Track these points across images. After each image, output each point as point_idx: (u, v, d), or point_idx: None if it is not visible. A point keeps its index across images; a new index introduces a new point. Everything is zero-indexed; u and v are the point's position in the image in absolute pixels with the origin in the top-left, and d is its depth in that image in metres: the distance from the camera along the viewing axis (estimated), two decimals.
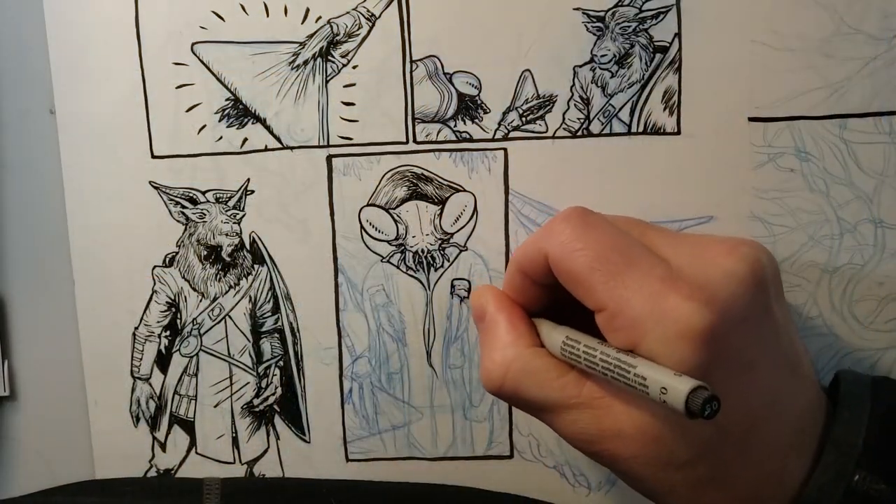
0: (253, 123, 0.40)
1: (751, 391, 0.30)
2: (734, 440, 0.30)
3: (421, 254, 0.40)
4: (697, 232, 0.39)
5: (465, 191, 0.40)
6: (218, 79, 0.39)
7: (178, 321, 0.41)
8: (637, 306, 0.29)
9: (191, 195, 0.40)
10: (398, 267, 0.40)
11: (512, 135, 0.39)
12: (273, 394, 0.42)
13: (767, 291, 0.30)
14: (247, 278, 0.41)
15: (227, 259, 0.41)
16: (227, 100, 0.40)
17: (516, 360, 0.33)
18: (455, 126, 0.39)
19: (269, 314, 0.41)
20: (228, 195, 0.40)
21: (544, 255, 0.32)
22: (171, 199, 0.40)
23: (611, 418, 0.31)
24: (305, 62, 0.39)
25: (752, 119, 0.38)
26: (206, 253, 0.41)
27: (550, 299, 0.34)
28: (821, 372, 0.39)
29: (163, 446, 0.42)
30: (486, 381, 0.33)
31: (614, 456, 0.31)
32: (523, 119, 0.39)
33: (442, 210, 0.40)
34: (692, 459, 0.30)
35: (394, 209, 0.40)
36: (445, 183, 0.40)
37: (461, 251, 0.40)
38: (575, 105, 0.39)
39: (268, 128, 0.40)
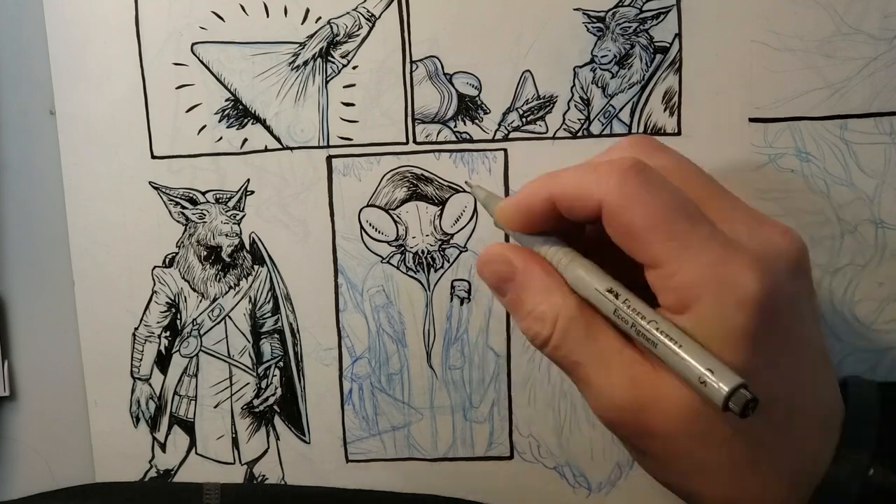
0: (253, 124, 0.40)
1: (794, 369, 0.30)
2: (777, 418, 0.30)
3: (421, 254, 0.40)
4: None
5: (465, 191, 0.40)
6: (218, 79, 0.39)
7: (178, 321, 0.41)
8: (696, 268, 0.29)
9: (191, 195, 0.40)
10: (398, 268, 0.40)
11: (512, 135, 0.39)
12: (273, 394, 0.42)
13: (811, 279, 0.31)
14: (247, 279, 0.41)
15: (227, 259, 0.41)
16: (227, 100, 0.40)
17: (564, 307, 0.31)
18: (455, 126, 0.39)
19: (269, 315, 0.41)
20: (228, 195, 0.40)
21: (596, 200, 0.30)
22: (171, 200, 0.40)
23: (650, 387, 0.29)
24: (305, 63, 0.39)
25: (752, 119, 0.38)
26: (205, 253, 0.41)
27: (569, 237, 0.33)
28: None
29: (163, 447, 0.42)
30: (536, 334, 0.32)
31: (647, 431, 0.30)
32: (523, 120, 0.39)
33: (442, 211, 0.40)
34: (731, 437, 0.29)
35: (394, 210, 0.40)
36: (445, 183, 0.40)
37: (461, 252, 0.40)
38: (575, 106, 0.39)
39: (268, 128, 0.40)
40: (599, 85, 0.39)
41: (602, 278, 0.30)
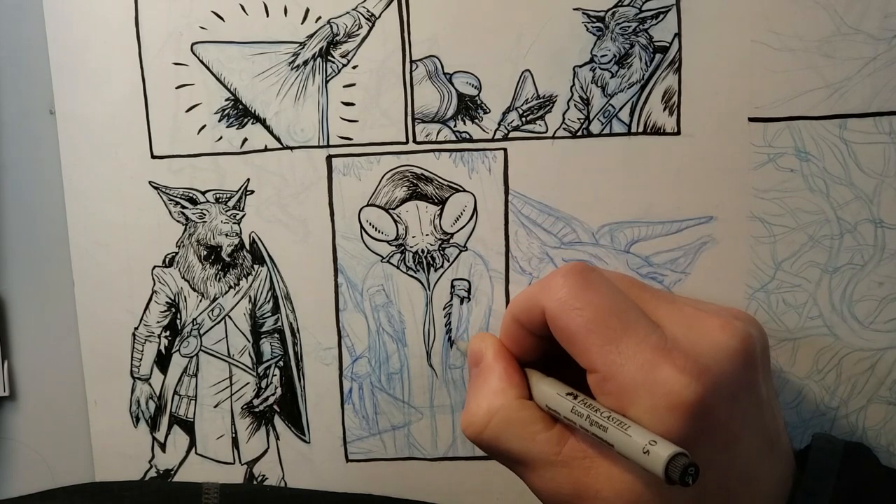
0: (253, 123, 0.40)
1: (731, 465, 0.30)
2: None
3: (421, 254, 0.40)
4: (697, 230, 0.39)
5: (465, 191, 0.40)
6: (218, 79, 0.39)
7: (178, 321, 0.41)
8: (629, 373, 0.29)
9: (191, 195, 0.40)
10: (398, 267, 0.40)
11: (512, 135, 0.39)
12: (273, 394, 0.42)
13: (756, 368, 0.31)
14: (247, 278, 0.41)
15: (227, 259, 0.41)
16: (226, 100, 0.40)
17: (503, 408, 0.33)
18: (455, 126, 0.39)
19: (269, 314, 0.41)
20: (228, 195, 0.40)
21: (541, 308, 0.32)
22: (171, 200, 0.40)
23: (589, 479, 0.31)
24: (305, 62, 0.39)
25: (752, 119, 0.38)
26: (205, 253, 0.41)
27: (544, 350, 0.34)
28: (822, 371, 0.39)
29: (162, 447, 0.42)
30: (468, 426, 0.34)
31: None
32: (523, 119, 0.39)
33: (442, 210, 0.40)
34: None
35: (394, 209, 0.40)
36: (445, 183, 0.40)
37: (461, 251, 0.40)
38: (575, 105, 0.39)
39: (268, 128, 0.40)
40: (599, 84, 0.39)
41: (551, 383, 0.33)
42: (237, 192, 0.40)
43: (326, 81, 0.39)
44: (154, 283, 0.41)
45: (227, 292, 0.41)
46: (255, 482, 0.42)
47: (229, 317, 0.41)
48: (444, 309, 0.40)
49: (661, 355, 0.29)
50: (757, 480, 0.31)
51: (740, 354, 0.30)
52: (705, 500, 0.30)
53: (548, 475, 0.32)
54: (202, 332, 0.41)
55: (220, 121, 0.40)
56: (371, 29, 0.39)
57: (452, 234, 0.40)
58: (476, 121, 0.39)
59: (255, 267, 0.41)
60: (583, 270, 0.32)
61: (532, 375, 0.34)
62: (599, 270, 0.33)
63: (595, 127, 0.39)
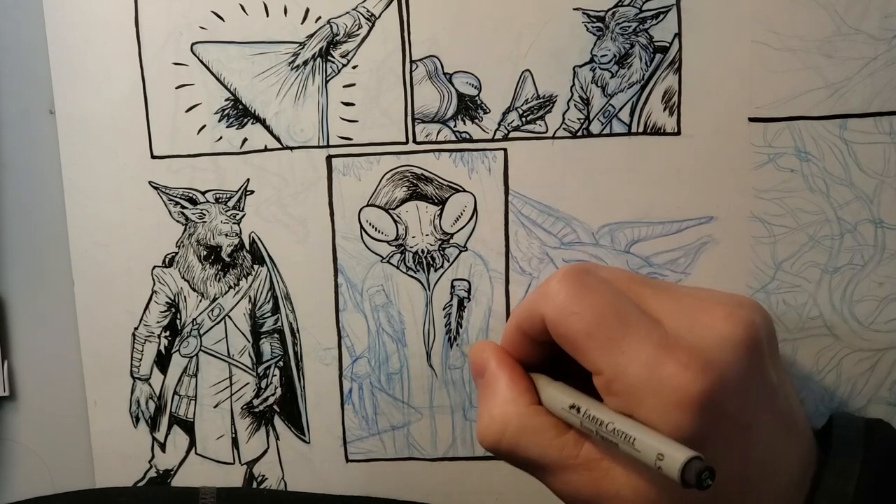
0: (253, 123, 0.40)
1: (747, 455, 0.30)
2: (731, 501, 0.30)
3: (421, 254, 0.40)
4: (697, 230, 0.39)
5: (465, 191, 0.40)
6: (218, 79, 0.39)
7: (178, 321, 0.41)
8: (633, 373, 0.29)
9: (190, 195, 0.40)
10: (398, 267, 0.40)
11: (512, 135, 0.39)
12: (273, 394, 0.42)
13: (763, 355, 0.30)
14: (246, 278, 0.41)
15: (227, 259, 0.41)
16: (226, 100, 0.40)
17: (516, 417, 0.33)
18: (455, 126, 0.39)
19: (269, 314, 0.41)
20: (228, 195, 0.40)
21: (541, 316, 0.32)
22: (171, 200, 0.40)
23: (608, 481, 0.31)
24: (305, 62, 0.39)
25: (752, 119, 0.38)
26: (205, 253, 0.41)
27: (549, 355, 0.34)
28: (822, 372, 0.39)
29: (162, 447, 0.42)
30: (484, 437, 0.33)
31: None
32: (523, 119, 0.39)
33: (442, 210, 0.40)
34: None
35: (394, 209, 0.40)
36: (445, 183, 0.40)
37: (461, 251, 0.40)
38: (575, 105, 0.39)
39: (267, 128, 0.40)
40: (599, 84, 0.39)
41: (567, 395, 0.32)
42: (237, 192, 0.40)
43: (326, 81, 0.39)
44: (154, 284, 0.41)
45: (226, 292, 0.41)
46: (254, 482, 0.42)
47: (229, 317, 0.41)
48: (444, 309, 0.40)
49: (664, 352, 0.29)
50: (776, 465, 0.31)
51: (745, 343, 0.29)
52: (725, 493, 0.29)
53: (567, 479, 0.32)
54: (202, 332, 0.41)
55: (220, 121, 0.40)
56: (371, 29, 0.39)
57: (452, 235, 0.40)
58: (476, 121, 0.39)
59: (255, 267, 0.41)
60: (578, 273, 0.32)
61: (539, 380, 0.34)
62: (595, 270, 0.33)
63: (595, 127, 0.39)
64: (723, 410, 0.29)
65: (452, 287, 0.40)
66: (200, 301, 0.41)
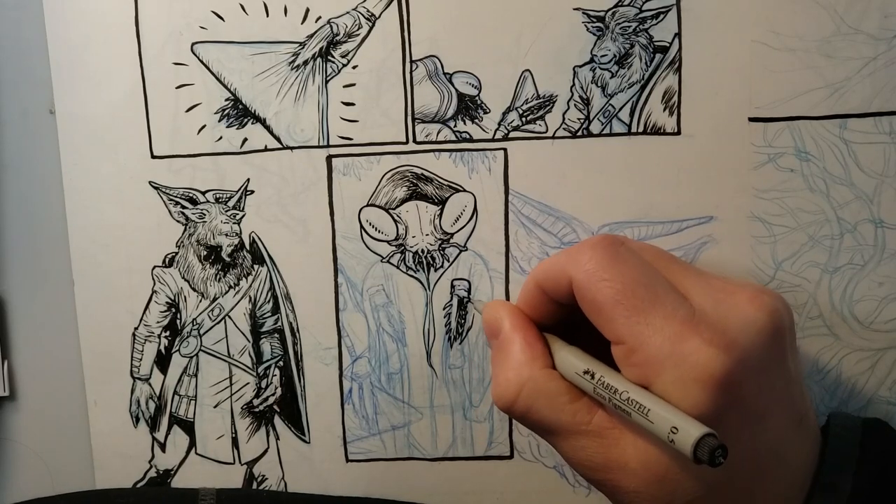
0: (253, 123, 0.40)
1: (760, 440, 0.30)
2: (739, 486, 0.30)
3: (421, 254, 0.40)
4: (697, 230, 0.39)
5: (465, 191, 0.40)
6: (218, 79, 0.39)
7: (178, 321, 0.41)
8: (656, 345, 0.29)
9: (190, 195, 0.40)
10: (398, 267, 0.40)
11: (512, 135, 0.39)
12: (273, 394, 0.42)
13: (784, 343, 0.30)
14: (246, 278, 0.41)
15: (227, 259, 0.41)
16: (226, 100, 0.40)
17: (531, 380, 0.33)
18: (455, 126, 0.39)
19: (269, 314, 0.41)
20: (228, 195, 0.40)
21: (568, 278, 0.32)
22: (171, 200, 0.40)
23: (618, 450, 0.31)
24: (305, 62, 0.39)
25: (752, 119, 0.38)
26: (205, 253, 0.41)
27: (565, 317, 0.34)
28: (822, 371, 0.39)
29: (162, 447, 0.42)
30: (499, 398, 0.34)
31: (617, 487, 0.31)
32: (523, 119, 0.39)
33: (442, 210, 0.40)
34: (694, 501, 0.30)
35: (394, 209, 0.40)
36: (445, 183, 0.40)
37: (461, 251, 0.40)
38: (575, 105, 0.39)
39: (268, 128, 0.40)
40: (599, 84, 0.39)
41: (582, 361, 0.32)
42: (237, 192, 0.40)
43: (326, 81, 0.39)
44: (154, 283, 0.41)
45: (227, 292, 0.41)
46: (254, 482, 0.42)
47: (229, 317, 0.41)
48: (444, 309, 0.40)
49: (690, 328, 0.29)
50: (786, 455, 0.31)
51: (769, 328, 0.30)
52: (735, 475, 0.29)
53: (578, 444, 0.32)
54: (202, 332, 0.41)
55: (220, 121, 0.40)
56: (371, 29, 0.39)
57: (452, 234, 0.40)
58: (476, 121, 0.39)
59: (255, 267, 0.41)
60: (612, 243, 0.32)
61: (553, 343, 0.34)
62: (628, 243, 0.33)
63: (595, 127, 0.39)
64: (740, 392, 0.29)
65: (452, 287, 0.40)
66: (200, 301, 0.41)
